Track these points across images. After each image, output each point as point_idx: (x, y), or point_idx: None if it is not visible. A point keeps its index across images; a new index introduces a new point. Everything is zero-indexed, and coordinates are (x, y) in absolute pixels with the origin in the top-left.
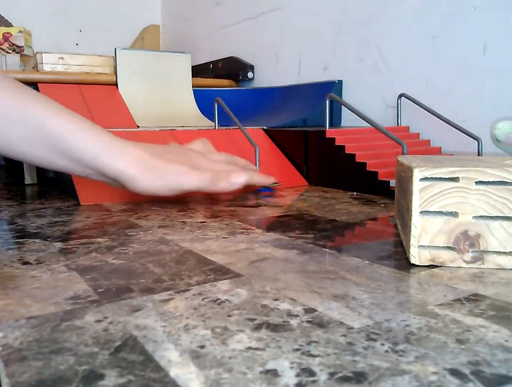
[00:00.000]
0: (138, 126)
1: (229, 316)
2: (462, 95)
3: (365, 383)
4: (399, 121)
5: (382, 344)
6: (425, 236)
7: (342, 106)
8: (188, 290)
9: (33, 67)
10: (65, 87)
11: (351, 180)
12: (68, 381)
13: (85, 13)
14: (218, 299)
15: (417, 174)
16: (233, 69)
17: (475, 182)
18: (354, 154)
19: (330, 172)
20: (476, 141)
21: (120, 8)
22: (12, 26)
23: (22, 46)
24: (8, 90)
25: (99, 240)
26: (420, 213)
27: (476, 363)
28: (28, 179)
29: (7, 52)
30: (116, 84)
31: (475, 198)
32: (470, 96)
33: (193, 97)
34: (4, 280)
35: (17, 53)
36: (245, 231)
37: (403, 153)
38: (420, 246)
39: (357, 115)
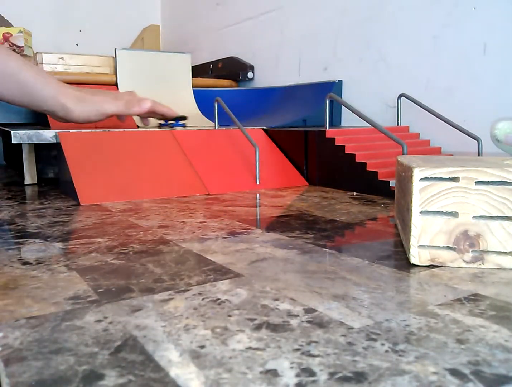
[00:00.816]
0: (138, 127)
1: (229, 316)
2: (462, 95)
3: (365, 383)
4: (399, 121)
5: (382, 344)
6: (425, 236)
7: (342, 106)
8: (188, 290)
9: None
10: None
11: (351, 180)
12: (68, 381)
13: (85, 13)
14: (218, 299)
15: (417, 174)
16: (233, 69)
17: (475, 182)
18: (354, 154)
19: (330, 173)
20: (476, 141)
21: (120, 8)
22: (12, 26)
23: (22, 46)
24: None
25: (99, 240)
26: (420, 213)
27: (476, 363)
28: (28, 179)
29: None
30: (116, 84)
31: (475, 197)
32: (470, 96)
33: (193, 97)
34: (4, 280)
35: (17, 53)
36: (245, 231)
37: (403, 153)
38: (420, 246)
39: (357, 115)
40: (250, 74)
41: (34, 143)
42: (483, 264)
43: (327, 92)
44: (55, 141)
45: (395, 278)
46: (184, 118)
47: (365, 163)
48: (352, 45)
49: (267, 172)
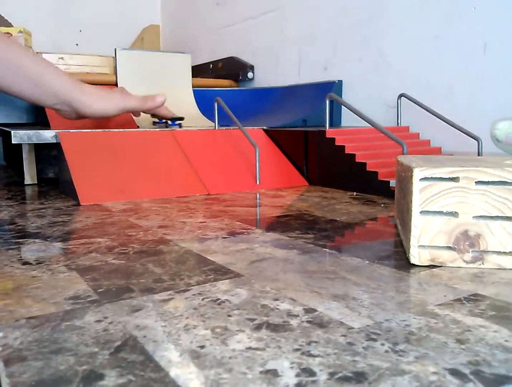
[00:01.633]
0: (138, 127)
1: (229, 316)
2: (462, 95)
3: (365, 383)
4: (399, 121)
5: (382, 344)
6: (425, 236)
7: (342, 106)
8: (188, 290)
9: None
10: None
11: (351, 180)
12: (68, 381)
13: (85, 13)
14: (218, 299)
15: (417, 174)
16: (233, 69)
17: (475, 182)
18: (354, 154)
19: (330, 173)
20: (476, 141)
21: (120, 8)
22: (12, 26)
23: None
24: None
25: (99, 240)
26: (420, 213)
27: (476, 363)
28: (28, 180)
29: None
30: (116, 84)
31: (475, 197)
32: (470, 96)
33: (193, 97)
34: (4, 280)
35: None
36: (245, 231)
37: (403, 153)
38: (420, 246)
39: (357, 115)
40: (250, 74)
41: (34, 143)
42: (483, 264)
43: (327, 92)
44: (55, 141)
45: (395, 278)
46: (181, 118)
47: (365, 163)
48: (352, 45)
49: (267, 172)
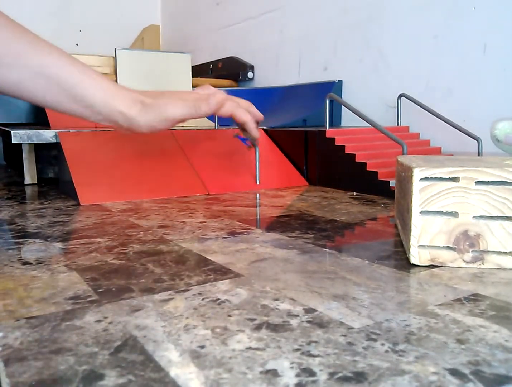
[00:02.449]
0: None
1: (229, 316)
2: (462, 95)
3: (365, 383)
4: (399, 121)
5: (382, 344)
6: (425, 236)
7: (342, 106)
8: (188, 290)
9: None
10: None
11: (351, 180)
12: (68, 381)
13: (85, 13)
14: (218, 299)
15: (417, 174)
16: (233, 69)
17: (475, 182)
18: (354, 154)
19: (330, 172)
20: (476, 141)
21: (120, 8)
22: None
23: None
24: (22, 36)
25: (99, 240)
26: (420, 213)
27: (476, 363)
28: (28, 180)
29: None
30: None
31: (475, 197)
32: (470, 96)
33: None
34: (4, 280)
35: None
36: (245, 231)
37: (403, 153)
38: (420, 246)
39: (357, 115)
40: (250, 74)
41: (34, 143)
42: (483, 264)
43: (327, 92)
44: (55, 141)
45: (395, 278)
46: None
47: (365, 163)
48: (352, 45)
49: (267, 172)
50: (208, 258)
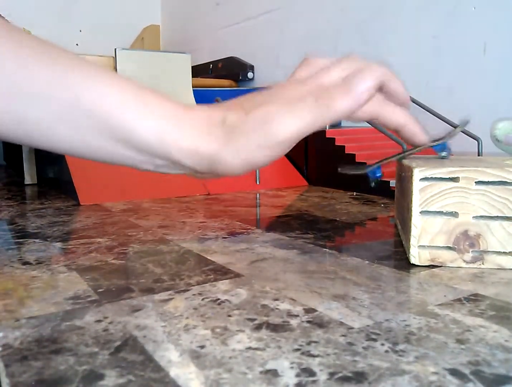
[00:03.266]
0: None
1: (229, 316)
2: (462, 95)
3: (365, 383)
4: None
5: (382, 344)
6: (425, 236)
7: None
8: (188, 290)
9: None
10: None
11: (351, 180)
12: (68, 381)
13: (85, 13)
14: (218, 299)
15: (417, 174)
16: (233, 69)
17: (475, 182)
18: (354, 155)
19: (330, 173)
20: (476, 141)
21: (120, 8)
22: None
23: None
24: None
25: (99, 240)
26: (420, 213)
27: (476, 363)
28: (28, 179)
29: None
30: None
31: (475, 197)
32: (470, 96)
33: (193, 98)
34: (4, 280)
35: None
36: (245, 231)
37: None
38: (420, 246)
39: None
40: (250, 74)
41: None
42: (483, 264)
43: None
44: None
45: (395, 278)
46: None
47: (365, 163)
48: (352, 45)
49: (267, 172)
50: (208, 258)
